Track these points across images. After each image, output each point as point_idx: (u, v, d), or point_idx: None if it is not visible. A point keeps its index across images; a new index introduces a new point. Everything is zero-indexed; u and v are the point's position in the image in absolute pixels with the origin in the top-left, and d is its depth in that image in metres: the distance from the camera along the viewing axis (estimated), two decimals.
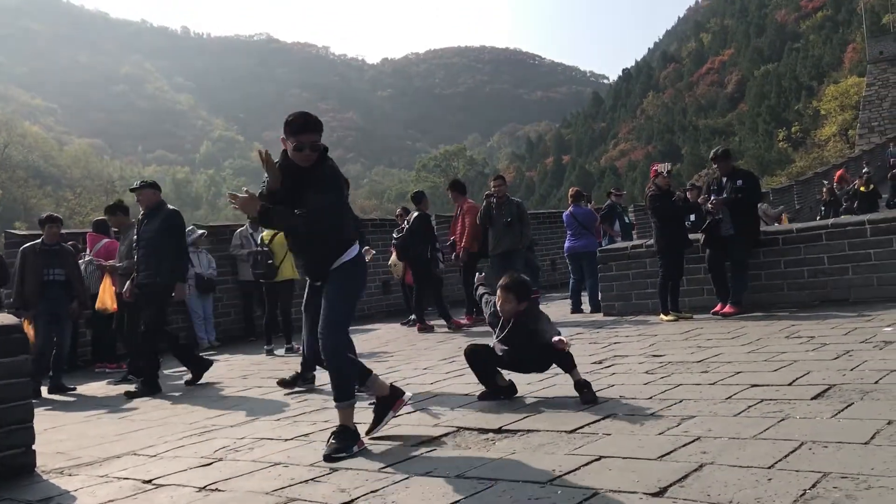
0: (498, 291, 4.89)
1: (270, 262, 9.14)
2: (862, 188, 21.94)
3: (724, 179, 8.82)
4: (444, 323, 10.30)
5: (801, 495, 2.57)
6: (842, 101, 63.87)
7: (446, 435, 4.08)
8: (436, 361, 7.18)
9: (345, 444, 3.86)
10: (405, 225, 10.58)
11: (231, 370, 8.29)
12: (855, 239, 8.14)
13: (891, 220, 8.13)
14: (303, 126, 3.99)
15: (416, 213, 10.50)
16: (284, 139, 4.06)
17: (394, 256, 11.21)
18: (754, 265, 8.68)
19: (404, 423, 4.50)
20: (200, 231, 11.32)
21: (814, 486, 2.65)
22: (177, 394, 7.04)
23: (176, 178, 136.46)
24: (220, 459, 4.06)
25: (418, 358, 7.62)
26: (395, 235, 10.73)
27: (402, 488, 3.17)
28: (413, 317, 10.80)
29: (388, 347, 8.90)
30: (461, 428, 4.20)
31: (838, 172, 31.43)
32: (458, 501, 2.91)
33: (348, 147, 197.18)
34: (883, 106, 55.20)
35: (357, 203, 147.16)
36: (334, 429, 3.98)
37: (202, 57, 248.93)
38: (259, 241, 9.68)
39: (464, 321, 10.43)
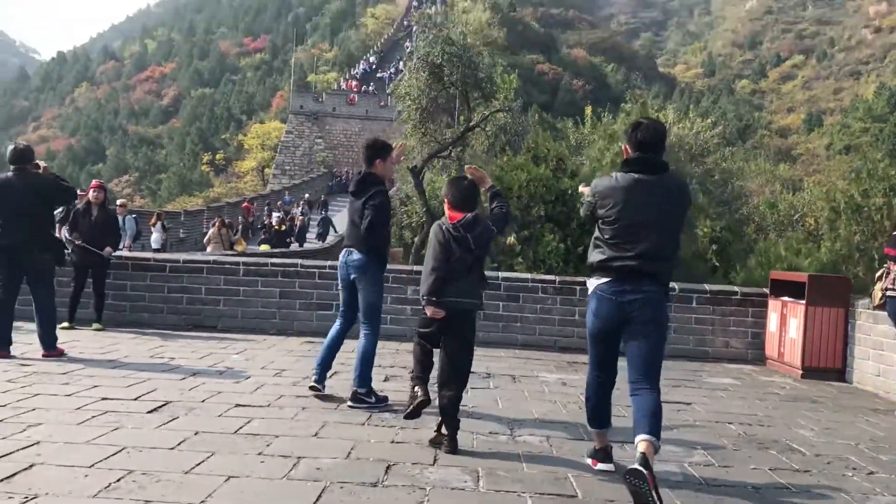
0: None
1: None
2: (276, 226, 27.09)
3: None
4: None
5: (105, 487, 3.33)
6: (263, 141, 70.32)
7: None
8: None
9: None
10: None
11: None
12: (230, 276, 9.51)
13: (261, 264, 9.75)
14: None
15: None
16: None
17: None
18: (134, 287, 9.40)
19: None
20: None
21: (119, 480, 3.45)
22: None
23: None
24: None
25: None
26: None
27: None
28: None
29: None
30: None
31: (244, 205, 34.73)
32: None
33: None
34: (296, 154, 62.56)
35: None
36: None
37: None
38: None
39: None
